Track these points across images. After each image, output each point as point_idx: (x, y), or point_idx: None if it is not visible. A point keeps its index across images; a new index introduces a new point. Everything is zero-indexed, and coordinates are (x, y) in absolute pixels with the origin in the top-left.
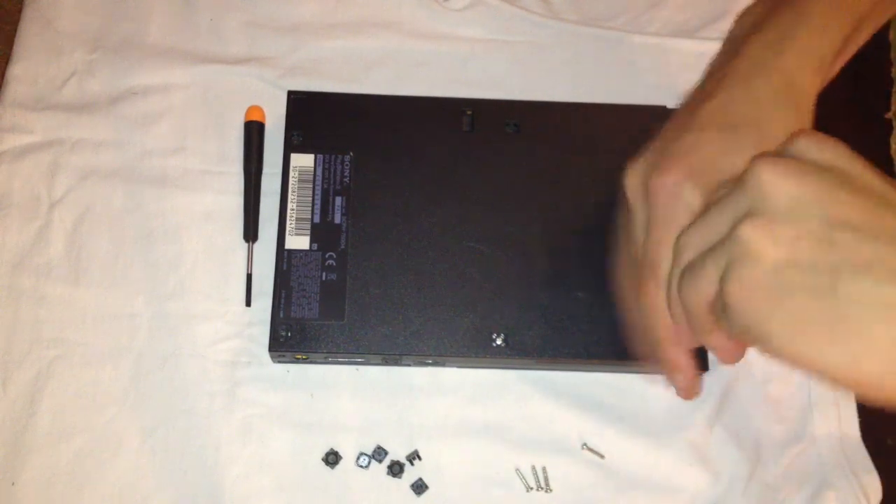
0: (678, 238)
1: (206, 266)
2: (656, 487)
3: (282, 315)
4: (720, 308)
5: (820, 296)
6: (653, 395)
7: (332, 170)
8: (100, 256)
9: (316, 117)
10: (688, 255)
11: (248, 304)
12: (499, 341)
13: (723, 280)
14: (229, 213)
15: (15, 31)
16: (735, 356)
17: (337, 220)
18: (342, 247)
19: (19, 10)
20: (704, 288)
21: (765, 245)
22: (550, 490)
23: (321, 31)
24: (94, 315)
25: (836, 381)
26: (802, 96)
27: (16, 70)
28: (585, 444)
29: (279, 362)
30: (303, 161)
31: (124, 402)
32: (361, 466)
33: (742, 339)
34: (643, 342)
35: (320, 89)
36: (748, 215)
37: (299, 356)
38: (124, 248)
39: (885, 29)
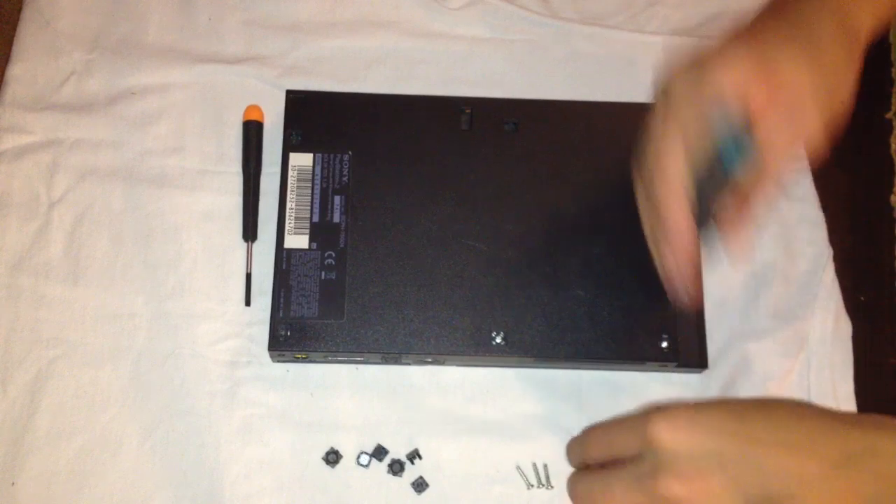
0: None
1: (206, 266)
2: None
3: (281, 314)
4: None
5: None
6: (653, 393)
7: (331, 169)
8: (99, 256)
9: (314, 116)
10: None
11: (248, 303)
12: (498, 340)
13: None
14: (228, 212)
15: (14, 31)
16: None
17: (336, 219)
18: (341, 246)
19: (19, 11)
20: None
21: (688, 493)
22: (551, 487)
23: (320, 30)
24: (94, 315)
25: None
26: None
27: (15, 70)
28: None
29: (279, 361)
30: (301, 160)
31: (124, 402)
32: (362, 465)
33: None
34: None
35: (319, 88)
36: (658, 473)
37: (299, 355)
38: (123, 247)
39: (885, 30)
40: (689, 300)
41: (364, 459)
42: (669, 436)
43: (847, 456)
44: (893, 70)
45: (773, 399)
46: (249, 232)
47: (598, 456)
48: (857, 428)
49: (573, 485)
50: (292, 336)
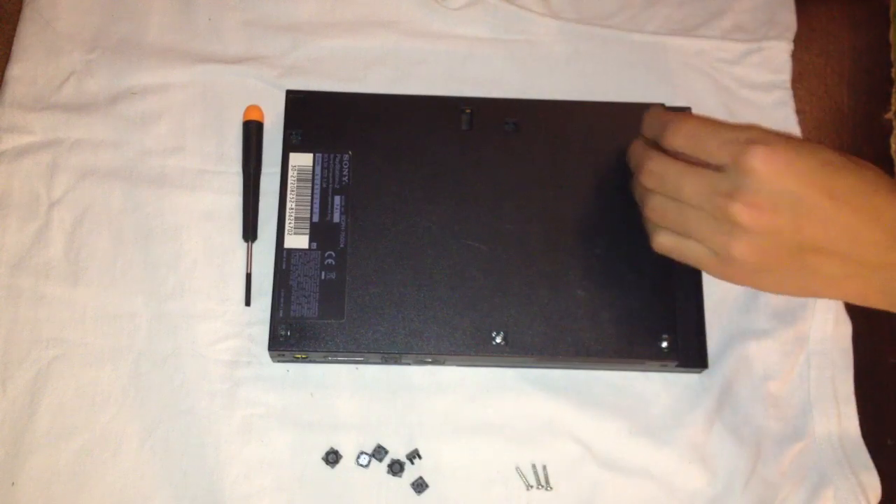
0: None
1: (206, 266)
2: (656, 485)
3: (281, 314)
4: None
5: (793, 267)
6: (652, 393)
7: (331, 169)
8: (99, 256)
9: (314, 116)
10: (671, 211)
11: (248, 303)
12: (498, 339)
13: (714, 253)
14: (228, 212)
15: (14, 31)
16: None
17: (336, 218)
18: (341, 246)
19: (19, 11)
20: (687, 253)
21: (747, 254)
22: (550, 488)
23: (320, 30)
24: (94, 315)
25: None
26: None
27: (14, 70)
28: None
29: (279, 361)
30: (301, 160)
31: (124, 402)
32: (362, 465)
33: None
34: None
35: (319, 88)
36: (735, 195)
37: (299, 355)
38: (123, 247)
39: (885, 29)
40: None
41: (364, 460)
42: (763, 167)
43: None
44: (893, 70)
45: (864, 162)
46: (249, 232)
47: (678, 145)
48: None
49: (641, 154)
50: (292, 336)
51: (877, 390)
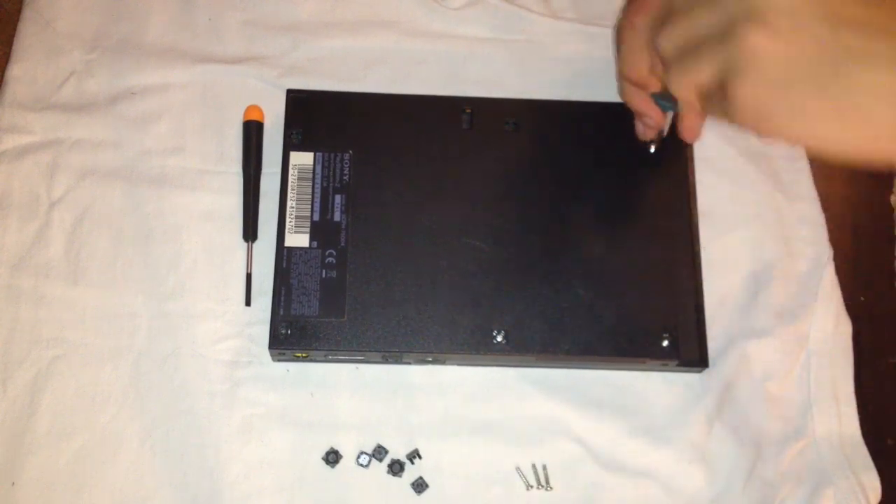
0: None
1: (206, 266)
2: (656, 485)
3: (282, 313)
4: (716, 97)
5: (823, 85)
6: (652, 393)
7: (332, 168)
8: (99, 256)
9: (315, 116)
10: (678, 35)
11: (248, 303)
12: (499, 338)
13: (726, 79)
14: (228, 212)
15: (14, 31)
16: (696, 132)
17: (337, 217)
18: (342, 244)
19: (19, 11)
20: (698, 79)
21: (767, 43)
22: (550, 488)
23: (320, 30)
24: (94, 315)
25: (843, 158)
26: None
27: (15, 70)
28: (518, 468)
29: (279, 360)
30: (302, 159)
31: (124, 402)
32: (362, 465)
33: (739, 123)
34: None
35: (319, 88)
36: (748, 17)
37: (299, 354)
38: (124, 247)
39: None
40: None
41: (364, 459)
42: None
43: None
44: None
45: None
46: (250, 232)
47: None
48: None
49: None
50: (293, 334)
51: (877, 390)
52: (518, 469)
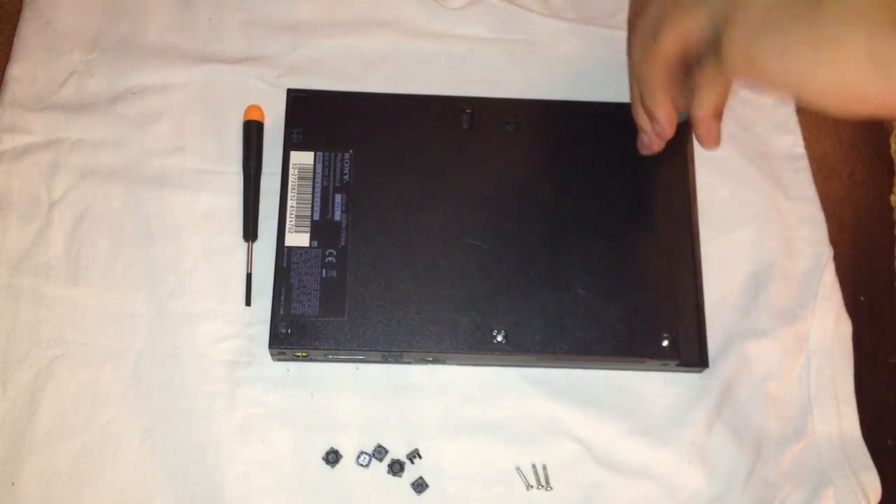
0: None
1: (206, 266)
2: (656, 485)
3: (282, 312)
4: (708, 51)
5: (805, 21)
6: (652, 393)
7: (332, 167)
8: (99, 256)
9: (315, 115)
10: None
11: (248, 303)
12: (499, 338)
13: (719, 29)
14: (229, 212)
15: (14, 31)
16: (714, 138)
17: (337, 217)
18: (342, 244)
19: (19, 11)
20: (691, 29)
21: None
22: (550, 488)
23: (320, 30)
24: (94, 315)
25: (824, 101)
26: None
27: (15, 70)
28: (518, 468)
29: (279, 360)
30: (302, 159)
31: (124, 402)
32: (362, 465)
33: (730, 74)
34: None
35: (319, 88)
36: None
37: (299, 353)
38: (124, 247)
39: None
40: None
41: (364, 459)
42: None
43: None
44: None
45: None
46: (250, 232)
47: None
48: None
49: None
50: (293, 334)
51: (877, 390)
52: (518, 469)
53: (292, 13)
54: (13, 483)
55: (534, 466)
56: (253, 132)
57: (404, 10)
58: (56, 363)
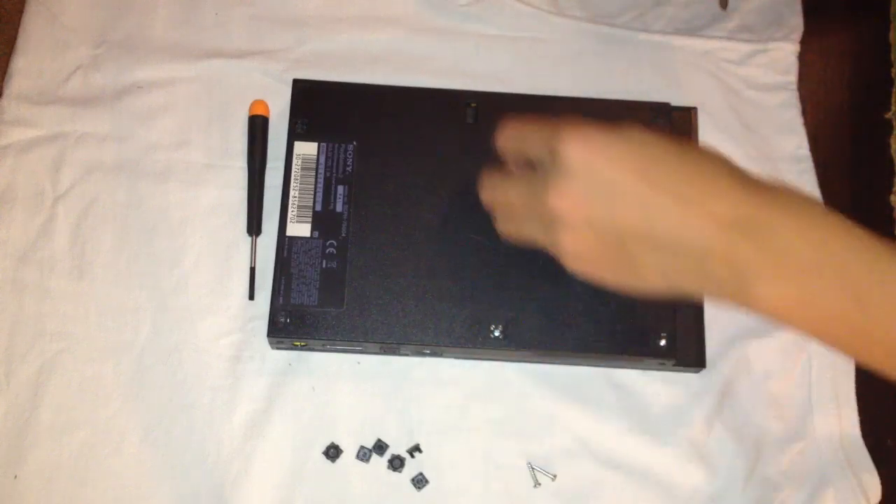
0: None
1: (210, 260)
2: (656, 484)
3: (281, 301)
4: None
5: (623, 259)
6: (653, 391)
7: (335, 158)
8: (103, 251)
9: (320, 106)
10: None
11: (252, 297)
12: (497, 333)
13: (550, 243)
14: (233, 207)
15: (16, 32)
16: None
17: (339, 208)
18: (343, 235)
19: (20, 11)
20: (530, 237)
21: (573, 244)
22: (551, 483)
23: (326, 25)
24: (98, 309)
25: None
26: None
27: (20, 64)
28: (531, 464)
29: (278, 349)
30: (306, 149)
31: (127, 397)
32: (362, 460)
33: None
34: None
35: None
36: (550, 188)
37: (298, 343)
38: (128, 242)
39: (885, 29)
40: None
41: (364, 454)
42: (575, 154)
43: (744, 225)
44: (893, 70)
45: (691, 149)
46: (254, 226)
47: (508, 147)
48: (757, 195)
49: (486, 178)
50: (292, 323)
51: (877, 391)
52: (518, 465)
53: (298, 8)
54: (15, 476)
55: (533, 463)
56: (258, 127)
57: (411, 5)
58: (59, 357)
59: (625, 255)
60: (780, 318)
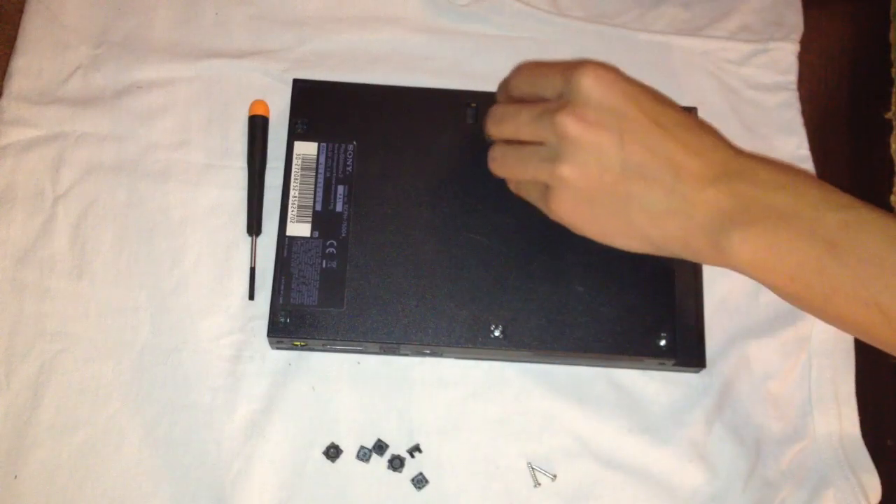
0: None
1: (210, 260)
2: (656, 484)
3: (281, 301)
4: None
5: (615, 207)
6: (653, 391)
7: (336, 158)
8: (103, 251)
9: (320, 106)
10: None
11: (252, 297)
12: (497, 333)
13: (547, 189)
14: (233, 207)
15: (16, 32)
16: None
17: (339, 208)
18: (343, 235)
19: (20, 12)
20: (527, 193)
21: (575, 176)
22: (551, 483)
23: (326, 25)
24: (98, 309)
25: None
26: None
27: (20, 63)
28: (531, 464)
29: (278, 349)
30: (306, 149)
31: (127, 397)
32: (362, 460)
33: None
34: None
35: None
36: (561, 155)
37: (297, 343)
38: (128, 242)
39: (885, 29)
40: None
41: (364, 454)
42: (592, 82)
43: (727, 172)
44: (893, 70)
45: (695, 117)
46: (254, 226)
47: (522, 86)
48: (751, 159)
49: (494, 108)
50: (291, 323)
51: (877, 391)
52: (518, 465)
53: (298, 8)
54: (16, 476)
55: (533, 463)
56: (258, 127)
57: (411, 6)
58: (59, 357)
59: (619, 194)
60: (754, 269)
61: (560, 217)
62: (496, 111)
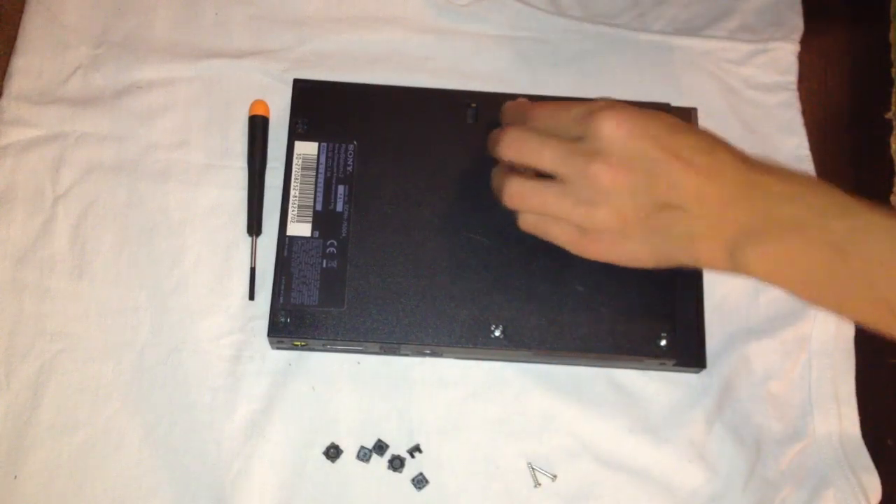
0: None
1: (210, 260)
2: (656, 484)
3: (281, 301)
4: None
5: (651, 227)
6: (653, 391)
7: (336, 158)
8: (103, 251)
9: (321, 106)
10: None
11: (252, 297)
12: (497, 333)
13: (576, 228)
14: (233, 207)
15: (16, 32)
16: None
17: (339, 208)
18: (343, 235)
19: (20, 12)
20: (550, 232)
21: (610, 218)
22: (551, 483)
23: (326, 25)
24: (98, 309)
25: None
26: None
27: (20, 63)
28: (531, 464)
29: (278, 348)
30: (307, 149)
31: (127, 397)
32: (362, 460)
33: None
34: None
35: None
36: (594, 156)
37: (298, 342)
38: (128, 242)
39: (885, 29)
40: None
41: (364, 454)
42: (615, 130)
43: (743, 190)
44: (893, 70)
45: (703, 130)
46: (254, 226)
47: (538, 124)
48: (763, 173)
49: (500, 131)
50: (292, 323)
51: (877, 391)
52: (518, 465)
53: (299, 8)
54: (15, 476)
55: (533, 463)
56: (258, 127)
57: (411, 6)
58: (59, 357)
59: (651, 227)
60: (768, 278)
61: (595, 256)
62: (512, 135)
